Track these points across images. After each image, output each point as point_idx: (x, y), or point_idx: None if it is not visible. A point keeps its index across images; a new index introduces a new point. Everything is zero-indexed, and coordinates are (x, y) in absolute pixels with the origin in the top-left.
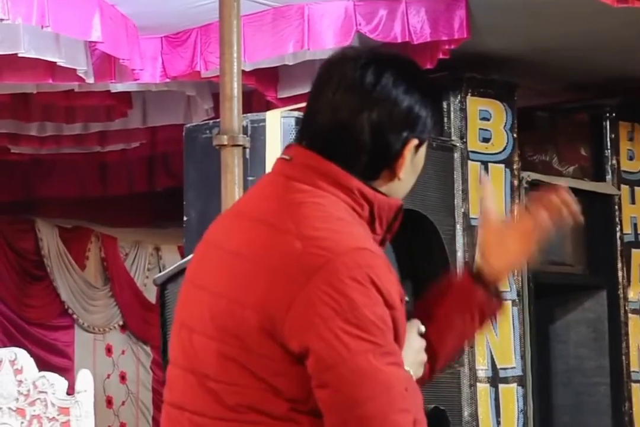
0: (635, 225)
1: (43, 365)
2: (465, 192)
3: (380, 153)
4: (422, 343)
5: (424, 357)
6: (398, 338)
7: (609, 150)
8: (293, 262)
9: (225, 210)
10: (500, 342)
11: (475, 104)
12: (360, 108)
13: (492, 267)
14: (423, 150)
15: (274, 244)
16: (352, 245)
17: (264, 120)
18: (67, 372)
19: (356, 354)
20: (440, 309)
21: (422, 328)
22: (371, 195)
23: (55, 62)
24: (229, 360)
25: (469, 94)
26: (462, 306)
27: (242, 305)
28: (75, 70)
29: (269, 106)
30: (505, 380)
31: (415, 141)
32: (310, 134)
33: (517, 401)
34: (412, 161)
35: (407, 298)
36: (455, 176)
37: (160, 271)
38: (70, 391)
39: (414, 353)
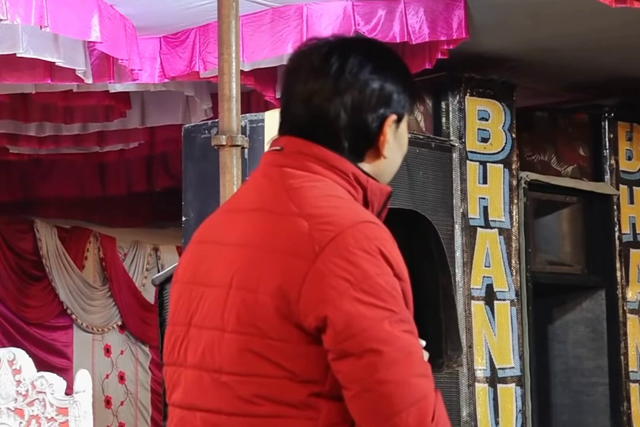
0: (633, 225)
1: (42, 365)
2: (464, 192)
3: (361, 134)
4: (426, 355)
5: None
6: (410, 309)
7: (608, 150)
8: (302, 241)
9: (215, 211)
10: (498, 342)
11: (474, 104)
12: (331, 94)
13: None
14: (404, 126)
15: (279, 228)
16: (358, 219)
17: (262, 120)
18: (65, 372)
19: (374, 322)
20: None
21: (423, 343)
22: (364, 179)
23: (54, 63)
24: (244, 350)
25: (468, 94)
26: None
27: (255, 292)
28: (74, 70)
29: (267, 106)
30: (504, 380)
31: (393, 117)
32: (289, 126)
33: (516, 400)
34: (395, 137)
35: None
36: (453, 176)
37: (158, 271)
38: (69, 391)
39: None
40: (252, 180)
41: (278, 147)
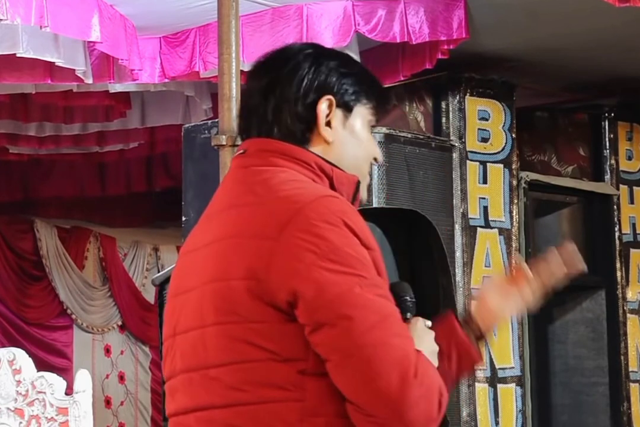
0: (633, 225)
1: (42, 365)
2: (464, 192)
3: (297, 119)
4: (436, 347)
5: (437, 361)
6: (384, 278)
7: (608, 150)
8: (265, 222)
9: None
10: (498, 342)
11: (474, 104)
12: (266, 89)
13: (485, 312)
14: (359, 118)
15: (244, 216)
16: (319, 194)
17: None
18: (65, 372)
19: (343, 288)
20: None
21: (429, 323)
22: (328, 168)
23: (54, 63)
24: (227, 339)
25: (468, 94)
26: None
27: (227, 279)
28: (74, 70)
29: None
30: (504, 380)
31: (327, 98)
32: (250, 130)
33: (516, 400)
34: (345, 126)
35: (411, 298)
36: (453, 176)
37: (158, 271)
38: (69, 391)
39: (429, 356)
40: (222, 185)
41: (242, 151)
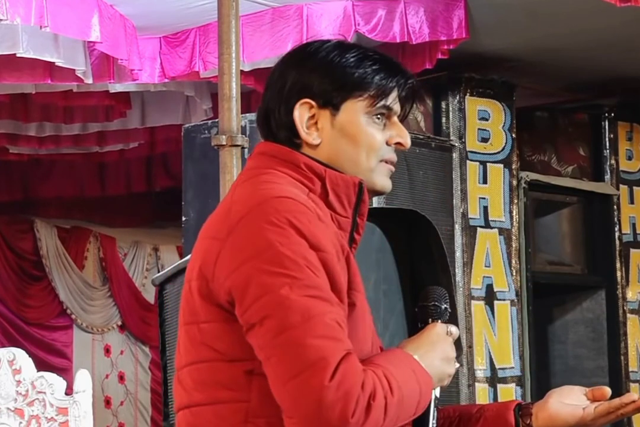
0: (633, 225)
1: (41, 365)
2: (464, 192)
3: (282, 125)
4: (452, 353)
5: (452, 369)
6: (336, 282)
7: (608, 150)
8: (220, 224)
9: None
10: (498, 343)
11: (474, 104)
12: (265, 90)
13: (548, 414)
14: (349, 113)
15: (213, 218)
16: (273, 194)
17: None
18: (65, 372)
19: (274, 289)
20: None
21: (454, 329)
22: (320, 169)
23: (54, 63)
24: (189, 339)
25: (468, 94)
26: None
27: (190, 279)
28: (74, 70)
29: None
30: (504, 380)
31: (305, 102)
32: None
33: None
34: (333, 126)
35: (437, 303)
36: (453, 176)
37: (158, 271)
38: (69, 391)
39: (440, 362)
40: None
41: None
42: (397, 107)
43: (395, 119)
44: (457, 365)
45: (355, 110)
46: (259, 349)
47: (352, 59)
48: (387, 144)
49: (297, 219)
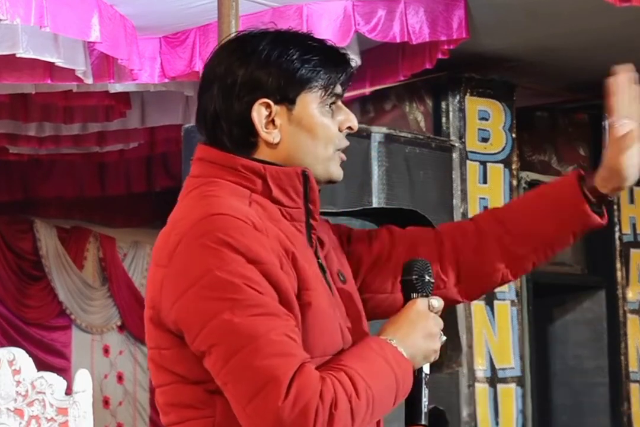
0: (634, 225)
1: (40, 365)
2: (464, 192)
3: (236, 125)
4: (435, 327)
5: (436, 345)
6: (282, 291)
7: None
8: (162, 250)
9: None
10: (498, 343)
11: (474, 104)
12: (201, 93)
13: (615, 187)
14: (303, 108)
15: (159, 241)
16: (203, 215)
17: None
18: (64, 372)
19: (214, 315)
20: (522, 203)
21: (435, 302)
22: (258, 167)
23: (54, 63)
24: (153, 364)
25: (468, 94)
26: (550, 206)
27: (146, 307)
28: (73, 70)
29: None
30: (504, 380)
31: (262, 102)
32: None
33: (516, 401)
34: (291, 120)
35: (429, 277)
36: (454, 176)
37: None
38: (68, 391)
39: (423, 339)
40: None
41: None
42: (341, 92)
43: (339, 103)
44: (444, 338)
45: (308, 102)
46: (215, 376)
47: (297, 52)
48: (339, 130)
49: (229, 235)
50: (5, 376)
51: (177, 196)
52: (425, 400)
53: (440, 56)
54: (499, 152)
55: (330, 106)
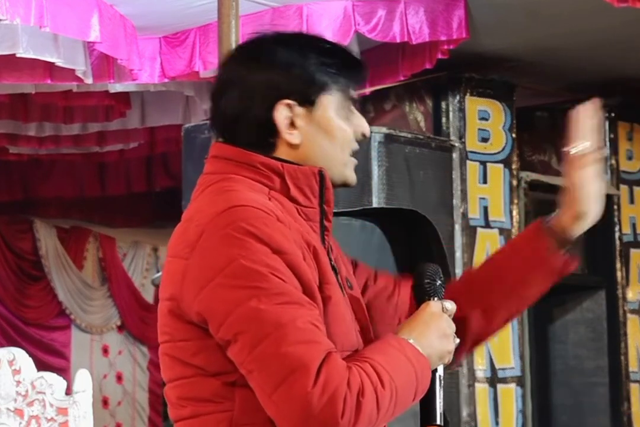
0: (634, 225)
1: (40, 365)
2: (464, 192)
3: (257, 126)
4: (449, 329)
5: (451, 346)
6: (305, 282)
7: (608, 150)
8: (182, 242)
9: None
10: (498, 343)
11: (474, 104)
12: (220, 92)
13: (575, 215)
14: (323, 110)
15: (176, 235)
16: (227, 205)
17: None
18: (63, 372)
19: (240, 303)
20: (493, 261)
21: (449, 305)
22: (277, 165)
23: (54, 63)
24: (166, 356)
25: (468, 94)
26: (520, 260)
27: (162, 299)
28: (73, 70)
29: None
30: (504, 380)
31: (285, 103)
32: (214, 131)
33: (516, 401)
34: (311, 122)
35: (440, 281)
36: (453, 176)
37: (158, 271)
38: (67, 391)
39: (438, 340)
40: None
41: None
42: (355, 96)
43: (352, 107)
44: (457, 340)
45: (327, 104)
46: (240, 364)
47: (317, 55)
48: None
49: (253, 226)
50: (5, 376)
51: (177, 196)
52: (439, 401)
53: (440, 56)
54: (499, 152)
55: (346, 110)
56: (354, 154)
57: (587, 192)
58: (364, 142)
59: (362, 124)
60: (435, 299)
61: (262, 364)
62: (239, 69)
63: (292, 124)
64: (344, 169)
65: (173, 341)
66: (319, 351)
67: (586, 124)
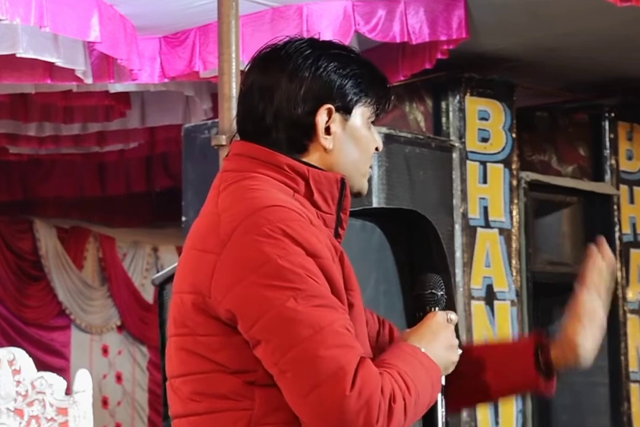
0: (634, 225)
1: (39, 365)
2: (464, 192)
3: (294, 127)
4: (454, 340)
5: (455, 357)
6: (336, 287)
7: (608, 150)
8: (212, 236)
9: None
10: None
11: (474, 104)
12: (259, 91)
13: (571, 345)
14: (359, 118)
15: (200, 227)
16: (261, 205)
17: None
18: (63, 372)
19: (276, 303)
20: (484, 350)
21: (454, 316)
22: (303, 169)
23: (54, 63)
24: (182, 350)
25: (468, 93)
26: (508, 371)
27: (181, 292)
28: (73, 70)
29: None
30: None
31: (326, 107)
32: (238, 129)
33: (516, 400)
34: (345, 129)
35: (433, 291)
36: (453, 176)
37: (158, 271)
38: (67, 391)
39: (445, 350)
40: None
41: (227, 154)
42: (378, 114)
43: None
44: (460, 351)
45: (360, 115)
46: (271, 364)
47: (357, 64)
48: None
49: (290, 227)
50: (5, 376)
51: (177, 196)
52: (442, 410)
53: (440, 56)
54: (499, 152)
55: (371, 124)
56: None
57: (585, 352)
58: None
59: (378, 140)
60: (438, 309)
61: (300, 365)
62: (281, 73)
63: (328, 130)
64: (362, 179)
65: (194, 335)
66: (354, 356)
67: (600, 268)
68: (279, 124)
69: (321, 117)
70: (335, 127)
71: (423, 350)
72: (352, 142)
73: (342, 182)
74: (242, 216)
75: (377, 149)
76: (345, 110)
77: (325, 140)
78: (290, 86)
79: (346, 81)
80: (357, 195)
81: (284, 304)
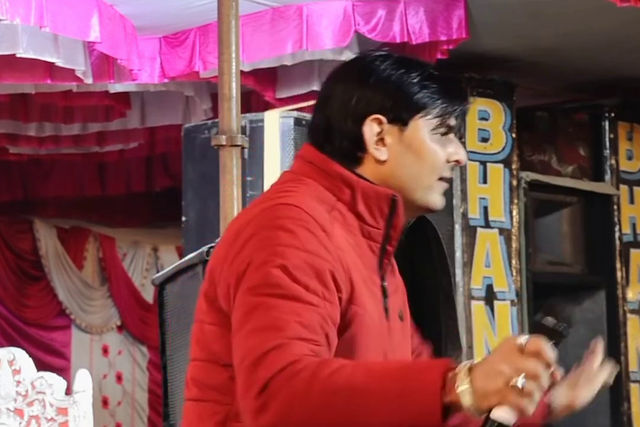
0: (634, 225)
1: (39, 365)
2: (464, 192)
3: (347, 138)
4: (499, 367)
5: (499, 385)
6: (322, 278)
7: (608, 150)
8: (232, 229)
9: None
10: (498, 343)
11: (474, 104)
12: (322, 101)
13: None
14: (416, 131)
15: (232, 223)
16: (280, 202)
17: (262, 120)
18: (63, 372)
19: (267, 266)
20: None
21: (522, 340)
22: (353, 179)
23: (54, 63)
24: (194, 337)
25: (468, 93)
26: None
27: (204, 280)
28: (73, 70)
29: (267, 106)
30: None
31: (374, 117)
32: (307, 133)
33: None
34: (401, 141)
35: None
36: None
37: (158, 271)
38: (67, 391)
39: (484, 375)
40: None
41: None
42: (455, 125)
43: (452, 135)
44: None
45: (421, 127)
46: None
47: (418, 77)
48: (447, 161)
49: (293, 224)
50: (5, 376)
51: (177, 196)
52: None
53: (440, 56)
54: (499, 152)
55: (441, 136)
56: (447, 180)
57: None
58: (455, 167)
59: (458, 152)
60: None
61: (256, 310)
62: (339, 82)
63: (382, 141)
64: (428, 193)
65: (202, 322)
66: (281, 338)
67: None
68: (334, 134)
69: (369, 128)
70: (389, 138)
71: (464, 370)
72: (412, 154)
73: (393, 199)
74: (256, 212)
75: (457, 161)
76: (400, 121)
77: (377, 151)
78: (343, 97)
79: (401, 92)
80: (427, 210)
81: (272, 266)
